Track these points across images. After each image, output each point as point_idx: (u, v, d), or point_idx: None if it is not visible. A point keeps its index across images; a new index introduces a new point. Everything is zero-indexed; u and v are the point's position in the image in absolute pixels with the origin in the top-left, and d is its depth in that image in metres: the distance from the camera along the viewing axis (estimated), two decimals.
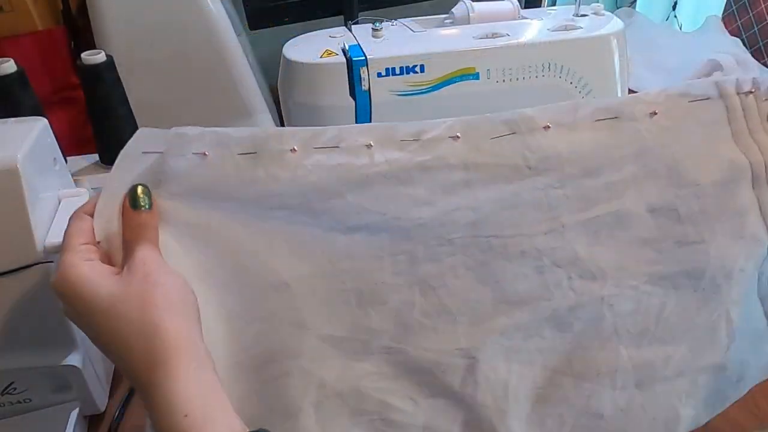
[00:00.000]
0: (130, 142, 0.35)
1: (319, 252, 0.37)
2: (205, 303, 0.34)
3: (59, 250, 0.43)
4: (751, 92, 0.37)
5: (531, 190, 0.37)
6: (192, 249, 0.36)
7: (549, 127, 0.37)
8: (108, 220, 0.34)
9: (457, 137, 0.37)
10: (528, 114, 0.37)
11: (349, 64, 0.57)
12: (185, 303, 0.32)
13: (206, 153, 0.35)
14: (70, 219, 0.34)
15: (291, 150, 0.36)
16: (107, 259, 0.34)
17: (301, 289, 0.37)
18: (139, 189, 0.34)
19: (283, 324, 0.37)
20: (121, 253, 0.33)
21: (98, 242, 0.34)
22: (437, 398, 0.39)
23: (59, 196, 0.48)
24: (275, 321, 0.37)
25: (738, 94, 0.37)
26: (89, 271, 0.31)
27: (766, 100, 0.37)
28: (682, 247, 0.38)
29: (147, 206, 0.33)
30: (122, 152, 0.35)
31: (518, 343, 0.39)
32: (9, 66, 0.51)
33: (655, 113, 0.37)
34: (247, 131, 0.36)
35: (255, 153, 0.35)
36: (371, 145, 0.36)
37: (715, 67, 1.00)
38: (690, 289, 0.38)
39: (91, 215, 0.34)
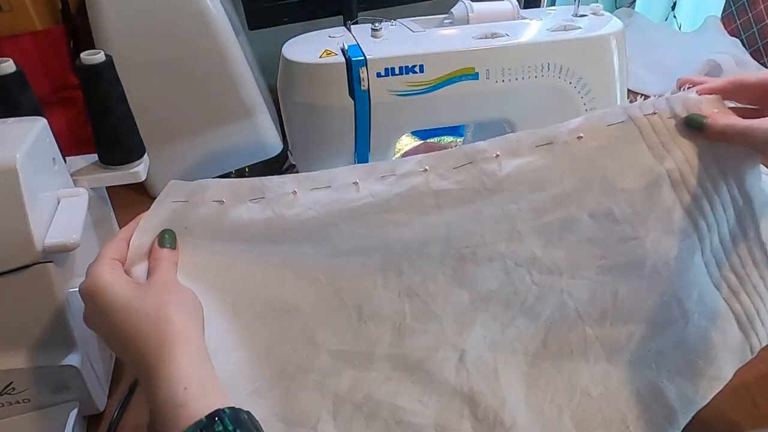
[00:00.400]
0: (162, 193, 0.42)
1: (321, 276, 0.44)
2: (225, 337, 0.39)
3: (58, 250, 0.43)
4: (654, 113, 0.43)
5: (489, 207, 0.44)
6: (211, 287, 0.42)
7: (498, 155, 0.44)
8: (136, 253, 0.41)
9: (426, 170, 0.44)
10: (481, 146, 0.44)
11: (349, 64, 0.57)
12: (194, 310, 0.38)
13: (223, 200, 0.42)
14: (110, 239, 0.41)
15: (292, 192, 0.43)
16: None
17: (309, 311, 0.44)
18: (167, 233, 0.42)
19: (296, 345, 0.43)
20: (143, 278, 0.40)
21: (126, 270, 0.40)
22: (441, 395, 0.44)
23: (58, 196, 0.48)
24: (289, 343, 0.43)
25: (645, 115, 0.43)
26: (114, 277, 0.38)
27: (669, 117, 0.43)
28: (622, 243, 0.43)
29: (171, 246, 0.41)
30: (155, 202, 0.42)
31: (497, 334, 0.45)
32: (8, 66, 0.50)
33: (582, 137, 0.43)
34: (256, 181, 0.43)
35: (263, 198, 0.43)
36: (357, 182, 0.43)
37: (714, 67, 1.00)
38: (636, 277, 0.44)
39: (126, 241, 0.41)
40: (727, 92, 0.43)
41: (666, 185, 0.42)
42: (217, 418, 0.30)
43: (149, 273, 0.39)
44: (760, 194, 0.43)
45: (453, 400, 0.45)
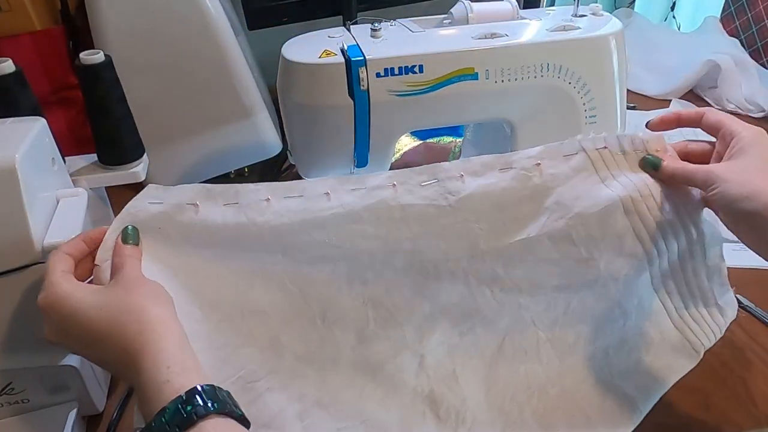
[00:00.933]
0: (138, 195, 0.43)
1: (289, 282, 0.45)
2: (192, 337, 0.38)
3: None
4: (605, 147, 0.46)
5: (453, 224, 0.46)
6: (181, 288, 0.43)
7: (462, 175, 0.46)
8: (109, 249, 0.42)
9: (394, 185, 0.46)
10: (445, 167, 0.47)
11: (348, 64, 0.57)
12: (165, 298, 0.39)
13: (197, 204, 0.43)
14: (50, 255, 0.40)
15: (266, 200, 0.44)
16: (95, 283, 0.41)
17: (276, 314, 0.45)
18: (129, 228, 0.42)
19: (262, 347, 0.44)
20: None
21: (96, 265, 0.41)
22: (403, 397, 0.47)
23: (57, 196, 0.48)
24: (256, 345, 0.44)
25: (596, 149, 0.46)
26: (72, 286, 0.38)
27: (618, 153, 0.46)
28: (578, 264, 0.46)
29: (134, 242, 0.42)
30: (130, 202, 0.43)
31: (455, 340, 0.48)
32: (7, 66, 0.50)
33: (539, 164, 0.46)
34: (230, 187, 0.45)
35: (237, 203, 0.44)
36: (328, 193, 0.45)
37: (714, 67, 1.00)
38: (588, 292, 0.47)
39: (69, 254, 0.40)
40: (692, 123, 0.47)
41: (619, 211, 0.45)
42: (195, 395, 0.32)
43: (114, 270, 0.40)
44: (707, 225, 0.46)
45: (415, 401, 0.47)
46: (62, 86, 0.75)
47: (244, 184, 0.45)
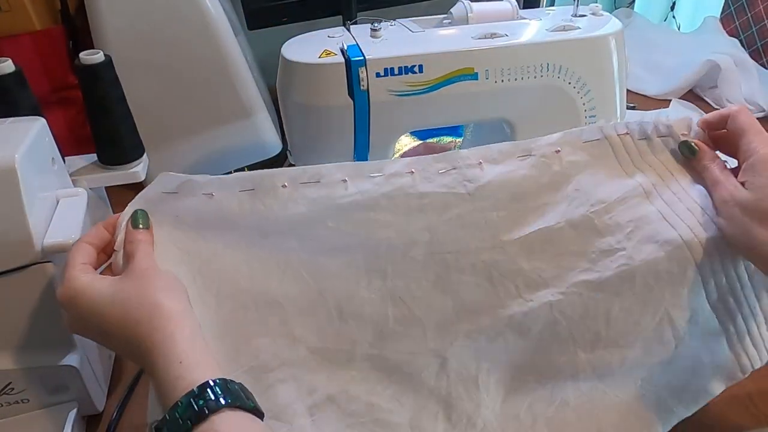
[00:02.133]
0: (152, 183, 0.43)
1: (305, 273, 0.44)
2: (205, 324, 0.38)
3: (57, 250, 0.43)
4: (626, 134, 0.45)
5: (471, 213, 0.45)
6: (197, 274, 0.42)
7: (481, 163, 0.45)
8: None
9: (413, 172, 0.45)
10: (464, 154, 0.46)
11: (348, 64, 0.57)
12: (178, 289, 0.39)
13: (213, 194, 0.43)
14: (73, 246, 0.41)
15: (282, 185, 0.43)
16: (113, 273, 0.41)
17: (291, 306, 0.44)
18: (139, 212, 0.41)
19: (276, 338, 0.44)
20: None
21: (115, 251, 0.41)
22: (418, 396, 0.45)
23: (57, 196, 0.48)
24: (269, 336, 0.43)
25: (618, 135, 0.45)
26: (89, 279, 0.38)
27: (640, 139, 0.45)
28: (608, 256, 0.44)
29: (145, 226, 0.41)
30: (144, 190, 0.42)
31: (484, 345, 0.45)
32: (7, 66, 0.50)
33: (559, 150, 0.45)
34: (244, 174, 0.44)
35: (253, 189, 0.43)
36: (346, 180, 0.44)
37: (713, 67, 1.00)
38: (628, 293, 0.43)
39: (89, 243, 0.41)
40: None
41: (641, 196, 0.44)
42: (207, 389, 0.32)
43: (126, 258, 0.40)
44: None
45: (429, 402, 0.45)
46: (62, 86, 0.75)
47: (259, 171, 0.44)
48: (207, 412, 0.31)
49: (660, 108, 1.00)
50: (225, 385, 0.33)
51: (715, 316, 0.44)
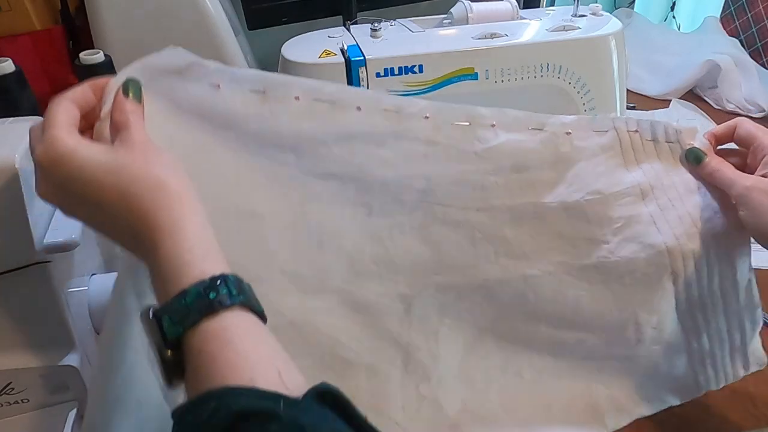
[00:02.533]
0: (156, 54, 0.39)
1: (293, 192, 0.43)
2: None
3: (57, 250, 0.43)
4: (636, 131, 0.45)
5: (472, 173, 0.44)
6: (183, 160, 0.37)
7: (495, 125, 0.44)
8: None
9: (427, 117, 0.43)
10: (482, 112, 0.44)
11: (348, 64, 0.57)
12: (181, 170, 0.34)
13: (220, 85, 0.40)
14: (52, 104, 0.35)
15: (295, 97, 0.41)
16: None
17: (272, 221, 0.42)
18: (131, 82, 0.36)
19: (252, 250, 0.42)
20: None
21: (101, 119, 0.36)
22: (380, 341, 0.45)
23: None
24: (246, 246, 0.42)
25: (627, 131, 0.45)
26: (77, 141, 0.33)
27: (648, 139, 0.45)
28: (591, 245, 0.44)
29: (136, 99, 0.36)
30: (145, 59, 0.38)
31: (451, 301, 0.46)
32: (7, 66, 0.51)
33: (570, 133, 0.45)
34: (260, 73, 0.41)
35: (264, 92, 0.40)
36: (360, 108, 0.42)
37: (713, 67, 1.00)
38: (600, 285, 0.45)
39: (75, 103, 0.36)
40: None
41: (637, 195, 0.44)
42: (220, 281, 0.29)
43: (116, 127, 0.34)
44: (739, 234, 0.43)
45: (390, 348, 0.45)
46: (62, 86, 0.75)
47: (275, 74, 0.41)
48: (219, 306, 0.29)
49: (660, 108, 1.00)
50: (239, 282, 0.30)
51: (680, 329, 0.45)
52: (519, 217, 0.45)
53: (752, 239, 0.42)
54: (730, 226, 0.42)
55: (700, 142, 0.45)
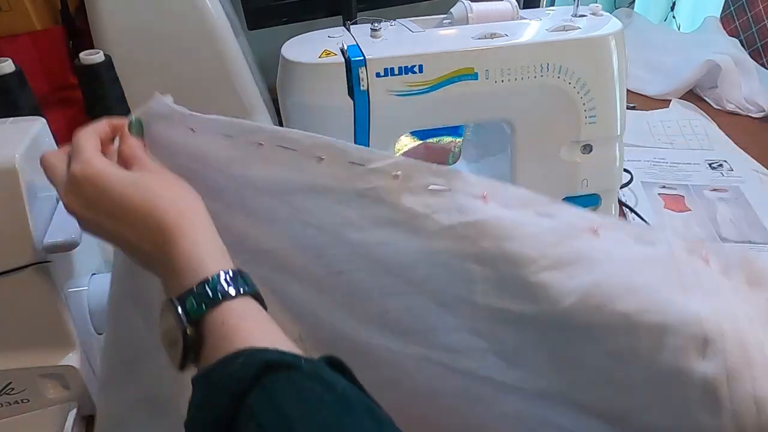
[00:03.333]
0: (150, 101, 0.43)
1: (252, 236, 0.42)
2: None
3: (57, 250, 0.43)
4: (706, 258, 0.34)
5: (438, 254, 0.36)
6: None
7: (485, 195, 0.35)
8: None
9: (397, 176, 0.37)
10: (468, 179, 0.36)
11: (348, 64, 0.57)
12: (196, 194, 0.39)
13: (194, 130, 0.42)
14: (79, 134, 0.40)
15: (258, 143, 0.41)
16: None
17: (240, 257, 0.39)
18: (134, 118, 0.42)
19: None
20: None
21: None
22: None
23: (57, 196, 0.48)
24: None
25: (688, 254, 0.33)
26: (109, 164, 0.38)
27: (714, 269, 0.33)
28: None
29: (138, 134, 0.42)
30: (146, 106, 0.43)
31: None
32: (7, 66, 0.51)
33: (596, 231, 0.34)
34: (228, 120, 0.42)
35: (231, 137, 0.41)
36: (322, 158, 0.39)
37: (714, 67, 1.00)
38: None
39: (96, 133, 0.41)
40: None
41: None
42: (237, 274, 0.34)
43: (125, 159, 0.40)
44: None
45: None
46: (62, 86, 0.75)
47: (241, 121, 0.42)
48: (237, 292, 0.33)
49: (660, 108, 1.00)
50: (251, 279, 0.35)
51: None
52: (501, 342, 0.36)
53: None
54: None
55: None
